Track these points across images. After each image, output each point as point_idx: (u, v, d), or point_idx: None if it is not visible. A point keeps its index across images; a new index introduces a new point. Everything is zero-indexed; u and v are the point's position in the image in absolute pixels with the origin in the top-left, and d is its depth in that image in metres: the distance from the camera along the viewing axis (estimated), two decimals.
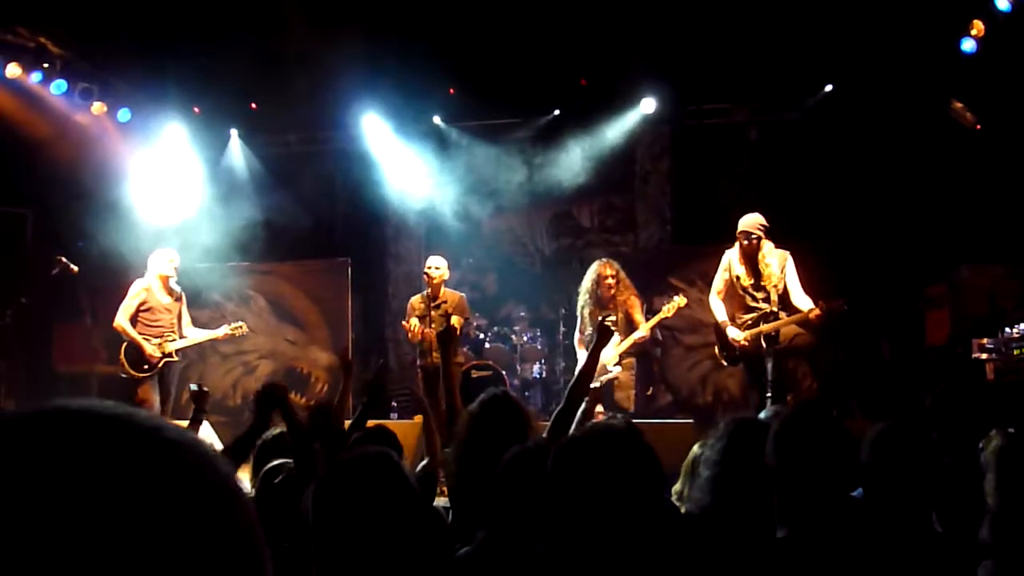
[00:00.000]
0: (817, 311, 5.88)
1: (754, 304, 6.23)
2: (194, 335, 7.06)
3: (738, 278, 6.25)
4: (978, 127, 7.71)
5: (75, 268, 6.93)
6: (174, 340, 6.88)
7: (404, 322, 7.06)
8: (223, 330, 7.12)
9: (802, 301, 6.04)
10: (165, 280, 6.90)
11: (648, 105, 8.98)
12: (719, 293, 6.42)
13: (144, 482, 0.50)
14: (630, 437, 1.75)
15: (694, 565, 1.94)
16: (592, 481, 1.66)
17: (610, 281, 6.64)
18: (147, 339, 6.77)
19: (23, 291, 6.99)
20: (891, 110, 8.06)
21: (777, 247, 6.26)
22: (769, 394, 5.98)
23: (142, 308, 6.83)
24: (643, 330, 6.60)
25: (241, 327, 7.16)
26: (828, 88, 8.54)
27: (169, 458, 0.52)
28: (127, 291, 6.86)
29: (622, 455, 1.69)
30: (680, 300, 6.69)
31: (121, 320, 6.76)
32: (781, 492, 2.03)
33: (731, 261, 6.31)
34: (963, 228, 7.65)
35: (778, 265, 6.16)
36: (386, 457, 1.91)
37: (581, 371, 3.46)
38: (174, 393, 7.05)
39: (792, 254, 6.30)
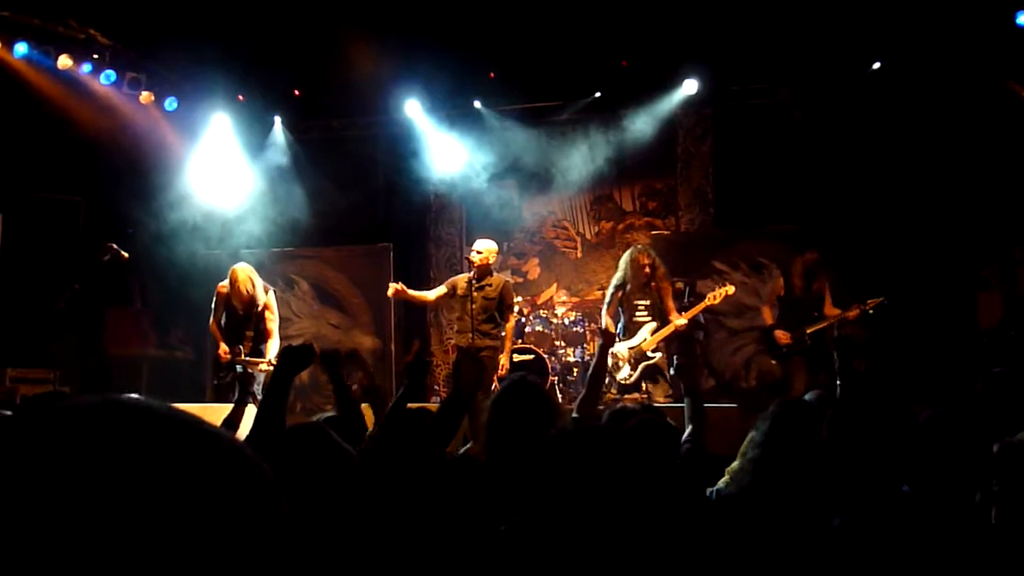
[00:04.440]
0: (856, 311, 6.56)
1: (799, 309, 6.93)
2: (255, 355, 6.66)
3: (792, 289, 6.92)
4: None
5: (125, 254, 7.07)
6: (240, 355, 6.62)
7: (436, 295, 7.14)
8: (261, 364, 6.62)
9: (834, 308, 6.81)
10: (236, 286, 6.58)
11: (690, 86, 8.86)
12: (769, 306, 7.13)
13: (188, 468, 0.56)
14: (615, 435, 1.74)
15: (726, 543, 1.92)
16: (579, 475, 1.65)
17: (647, 269, 6.87)
18: (225, 342, 6.66)
19: (76, 277, 7.16)
20: (942, 87, 7.84)
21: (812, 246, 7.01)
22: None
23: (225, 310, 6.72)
24: (683, 319, 6.84)
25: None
26: (876, 65, 8.32)
27: (210, 450, 0.58)
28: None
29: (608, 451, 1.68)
30: (728, 288, 6.99)
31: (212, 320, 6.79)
32: (836, 478, 1.99)
33: (787, 277, 7.02)
34: (1018, 208, 7.45)
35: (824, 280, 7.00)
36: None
37: (591, 374, 3.53)
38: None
39: (838, 235, 7.11)
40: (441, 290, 7.09)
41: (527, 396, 2.68)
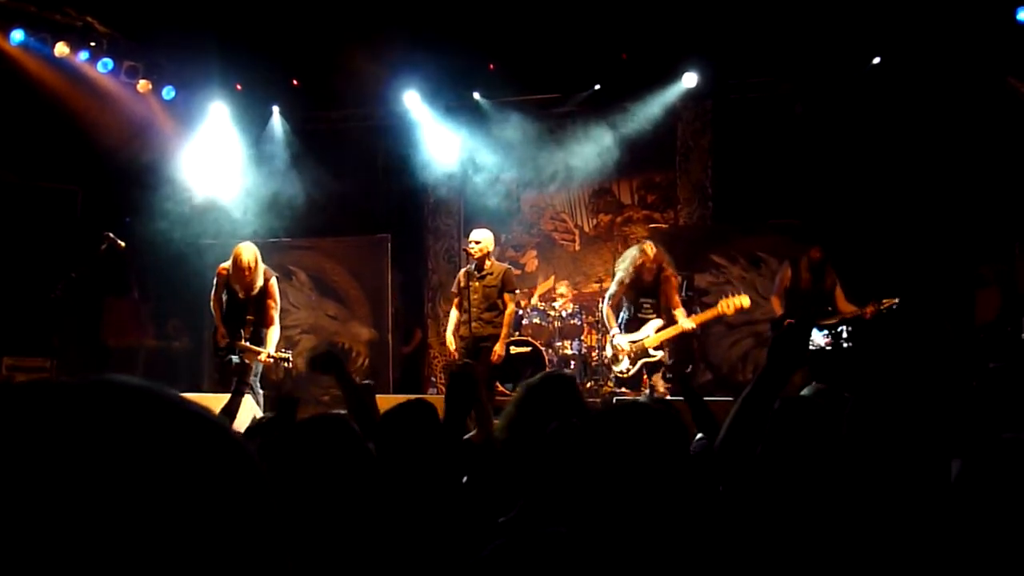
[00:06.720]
0: (872, 309, 6.66)
1: (805, 303, 6.96)
2: (255, 345, 6.52)
3: (799, 282, 7.01)
4: None
5: (122, 244, 7.02)
6: (241, 340, 6.47)
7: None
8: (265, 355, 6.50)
9: (848, 304, 6.91)
10: (238, 263, 6.43)
11: (690, 79, 8.84)
12: (779, 296, 7.20)
13: (172, 448, 0.56)
14: (651, 413, 1.72)
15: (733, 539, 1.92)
16: (606, 456, 1.63)
17: (653, 264, 6.82)
18: (225, 326, 6.52)
19: (73, 266, 7.14)
20: (942, 83, 7.83)
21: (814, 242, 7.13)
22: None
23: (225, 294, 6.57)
24: (691, 323, 6.85)
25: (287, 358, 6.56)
26: (876, 60, 8.30)
27: (193, 428, 0.57)
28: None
29: (639, 431, 1.66)
30: (743, 300, 6.85)
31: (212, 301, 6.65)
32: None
33: (795, 270, 7.07)
34: (1018, 206, 7.45)
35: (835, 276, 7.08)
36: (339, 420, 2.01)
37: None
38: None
39: (836, 230, 7.13)
40: (455, 298, 6.98)
41: (561, 390, 2.70)
